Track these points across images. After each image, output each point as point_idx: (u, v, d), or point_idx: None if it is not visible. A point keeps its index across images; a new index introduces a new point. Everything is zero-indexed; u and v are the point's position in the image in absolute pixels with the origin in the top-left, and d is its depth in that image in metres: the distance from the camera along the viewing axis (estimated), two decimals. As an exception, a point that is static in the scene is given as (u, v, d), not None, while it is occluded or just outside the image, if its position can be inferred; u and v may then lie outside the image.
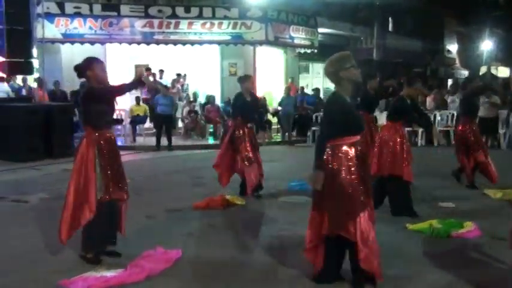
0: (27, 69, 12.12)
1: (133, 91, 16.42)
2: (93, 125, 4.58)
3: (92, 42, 15.68)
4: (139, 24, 16.15)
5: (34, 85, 14.74)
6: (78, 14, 15.77)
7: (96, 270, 4.31)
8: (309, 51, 19.71)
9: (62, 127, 11.50)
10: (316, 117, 15.76)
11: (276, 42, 17.95)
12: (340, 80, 3.94)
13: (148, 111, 14.90)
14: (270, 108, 16.60)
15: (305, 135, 15.65)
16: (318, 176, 3.83)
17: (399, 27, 29.25)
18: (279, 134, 16.09)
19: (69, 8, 15.72)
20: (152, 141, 13.65)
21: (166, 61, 17.04)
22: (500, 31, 34.87)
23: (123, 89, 4.64)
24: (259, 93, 15.04)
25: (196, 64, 17.69)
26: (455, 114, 13.61)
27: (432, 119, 14.43)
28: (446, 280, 4.22)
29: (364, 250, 3.77)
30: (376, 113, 7.26)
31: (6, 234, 5.54)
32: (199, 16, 16.52)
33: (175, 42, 16.54)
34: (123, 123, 14.32)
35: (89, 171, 4.46)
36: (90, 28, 15.88)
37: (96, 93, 4.53)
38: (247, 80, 7.47)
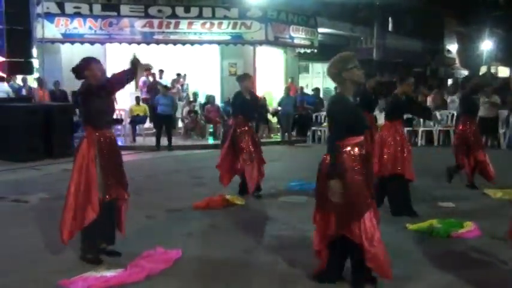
0: (27, 69, 12.12)
1: (133, 91, 16.65)
2: (93, 124, 4.58)
3: (92, 42, 15.67)
4: (139, 24, 16.14)
5: (34, 85, 14.75)
6: (78, 14, 15.76)
7: (96, 270, 4.31)
8: (308, 51, 19.70)
9: (62, 127, 11.50)
10: (316, 117, 15.78)
11: (275, 42, 17.94)
12: (343, 80, 3.93)
13: (148, 111, 14.90)
14: (270, 108, 16.61)
15: (305, 135, 15.66)
16: (334, 186, 3.76)
17: (399, 27, 29.27)
18: (278, 134, 16.09)
19: (69, 8, 15.71)
20: (152, 141, 13.65)
21: (166, 61, 17.01)
22: (500, 31, 34.89)
23: (120, 79, 4.49)
24: (259, 93, 15.04)
25: (196, 64, 17.68)
26: (455, 114, 13.61)
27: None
28: (446, 280, 4.22)
29: (371, 250, 3.76)
30: (376, 113, 7.25)
31: (6, 234, 5.54)
32: (199, 16, 16.51)
33: (175, 42, 16.53)
34: (123, 123, 14.32)
35: (91, 172, 4.46)
36: (90, 28, 15.87)
37: (94, 89, 4.50)
38: (246, 78, 7.47)
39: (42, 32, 13.37)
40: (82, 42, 15.54)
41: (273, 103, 17.65)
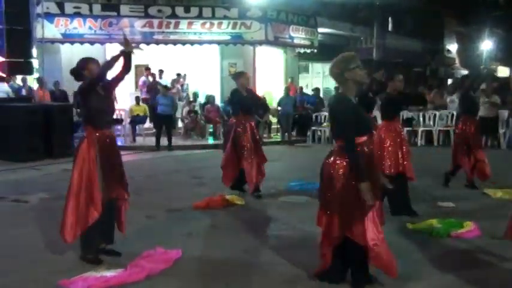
0: (27, 69, 12.11)
1: (133, 91, 16.66)
2: (93, 124, 4.58)
3: (92, 42, 15.67)
4: (139, 24, 16.14)
5: (33, 85, 14.75)
6: (77, 14, 15.76)
7: (96, 270, 4.31)
8: (308, 51, 19.70)
9: (62, 127, 11.51)
10: (316, 117, 15.77)
11: (275, 42, 17.94)
12: (345, 80, 3.91)
13: (148, 111, 14.90)
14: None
15: (305, 135, 15.66)
16: (365, 188, 3.71)
17: (399, 27, 29.27)
18: (278, 134, 16.09)
19: (68, 8, 15.71)
20: (152, 141, 13.65)
21: (166, 61, 17.04)
22: (500, 31, 34.90)
23: (108, 63, 4.55)
24: (259, 93, 15.01)
25: (196, 64, 17.68)
26: (454, 114, 13.61)
27: (432, 118, 14.48)
28: (446, 280, 4.22)
29: (374, 249, 3.77)
30: (376, 113, 7.24)
31: (6, 234, 5.54)
32: (199, 16, 16.51)
33: (175, 42, 16.53)
34: (123, 123, 14.34)
35: (92, 172, 4.46)
36: (90, 28, 15.87)
37: (88, 83, 4.54)
38: (241, 76, 7.56)
39: (42, 32, 13.36)
40: (82, 43, 15.54)
41: (273, 103, 17.65)
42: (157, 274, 4.31)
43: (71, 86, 14.37)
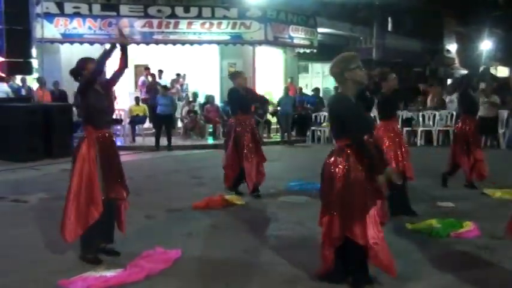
0: (27, 69, 12.11)
1: (133, 91, 16.66)
2: (93, 124, 4.58)
3: (91, 42, 15.66)
4: (138, 24, 16.14)
5: (33, 85, 14.74)
6: (77, 14, 15.76)
7: (95, 270, 4.31)
8: (308, 51, 19.70)
9: (61, 127, 11.51)
10: (316, 117, 15.77)
11: (275, 42, 17.94)
12: (344, 80, 3.92)
13: (147, 111, 14.89)
14: (270, 108, 16.61)
15: (304, 135, 15.67)
16: (383, 180, 3.85)
17: (398, 27, 29.26)
18: (278, 134, 16.09)
19: (68, 8, 15.72)
20: (151, 141, 13.65)
21: (166, 61, 17.04)
22: (500, 31, 34.87)
23: (101, 58, 4.54)
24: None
25: (195, 64, 17.68)
26: (454, 114, 13.62)
27: (432, 119, 14.50)
28: (446, 280, 4.22)
29: (374, 247, 3.77)
30: (375, 113, 7.24)
31: (6, 234, 5.53)
32: (199, 16, 16.51)
33: (174, 42, 16.53)
34: (123, 123, 14.35)
35: (92, 172, 4.46)
36: (90, 28, 15.87)
37: (85, 81, 4.55)
38: (238, 76, 7.61)
39: (41, 32, 13.37)
40: (81, 42, 15.54)
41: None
42: (157, 274, 4.30)
43: (70, 86, 14.37)
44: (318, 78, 23.32)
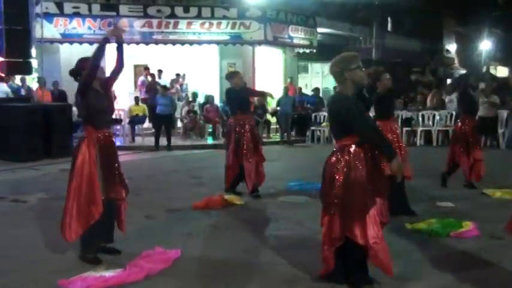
0: (26, 69, 12.12)
1: (132, 91, 16.64)
2: (93, 124, 4.58)
3: (91, 42, 15.53)
4: (138, 24, 16.12)
5: (32, 85, 14.74)
6: (77, 14, 15.75)
7: (95, 270, 4.31)
8: (307, 51, 19.70)
9: (61, 127, 11.51)
10: (315, 117, 15.77)
11: (274, 42, 17.94)
12: (344, 80, 3.92)
13: (147, 111, 14.89)
14: (269, 108, 16.62)
15: (304, 135, 15.67)
16: (395, 166, 3.76)
17: (398, 27, 29.26)
18: (277, 134, 16.09)
19: (68, 8, 15.71)
20: (151, 141, 13.65)
21: (165, 61, 17.03)
22: (499, 31, 34.89)
23: (95, 54, 4.54)
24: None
25: (195, 64, 17.67)
26: (453, 114, 13.63)
27: (431, 118, 14.50)
28: (446, 280, 4.22)
29: (374, 247, 3.77)
30: (373, 113, 7.25)
31: (5, 234, 5.53)
32: (198, 16, 16.51)
33: (174, 42, 16.52)
34: (122, 123, 14.35)
35: (92, 172, 4.46)
36: (89, 28, 15.85)
37: (83, 80, 4.55)
38: (235, 76, 7.66)
39: (41, 32, 13.36)
40: (81, 42, 15.50)
41: (272, 103, 17.64)
42: (157, 274, 4.30)
43: (70, 86, 14.35)
44: (318, 78, 23.32)
